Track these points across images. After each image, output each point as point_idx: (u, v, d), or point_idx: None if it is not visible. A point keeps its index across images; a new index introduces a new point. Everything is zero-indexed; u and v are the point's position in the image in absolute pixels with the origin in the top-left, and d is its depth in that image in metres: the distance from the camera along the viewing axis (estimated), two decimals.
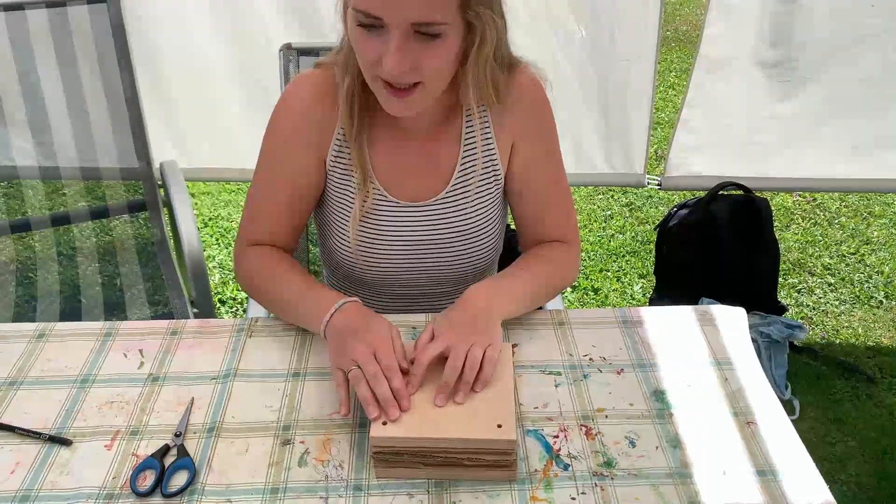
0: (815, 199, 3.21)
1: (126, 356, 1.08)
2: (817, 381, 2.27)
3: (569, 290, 2.68)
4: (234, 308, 2.58)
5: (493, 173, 1.18)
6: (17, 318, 1.84)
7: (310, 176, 1.16)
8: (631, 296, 2.66)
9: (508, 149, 1.18)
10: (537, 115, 1.18)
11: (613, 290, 2.68)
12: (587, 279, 2.73)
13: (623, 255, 2.87)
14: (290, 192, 1.17)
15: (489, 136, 1.16)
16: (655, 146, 3.34)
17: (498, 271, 1.37)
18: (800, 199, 3.21)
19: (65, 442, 0.94)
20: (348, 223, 1.16)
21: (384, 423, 0.88)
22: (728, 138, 2.32)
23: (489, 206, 1.19)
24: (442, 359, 0.95)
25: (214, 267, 2.77)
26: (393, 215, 1.16)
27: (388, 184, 1.16)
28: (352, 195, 1.15)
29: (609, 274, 2.76)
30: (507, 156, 1.18)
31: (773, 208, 2.29)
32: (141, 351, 1.09)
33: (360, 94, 1.08)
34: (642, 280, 2.73)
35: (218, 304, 2.59)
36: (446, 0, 0.93)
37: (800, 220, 3.08)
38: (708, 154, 2.34)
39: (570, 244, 1.24)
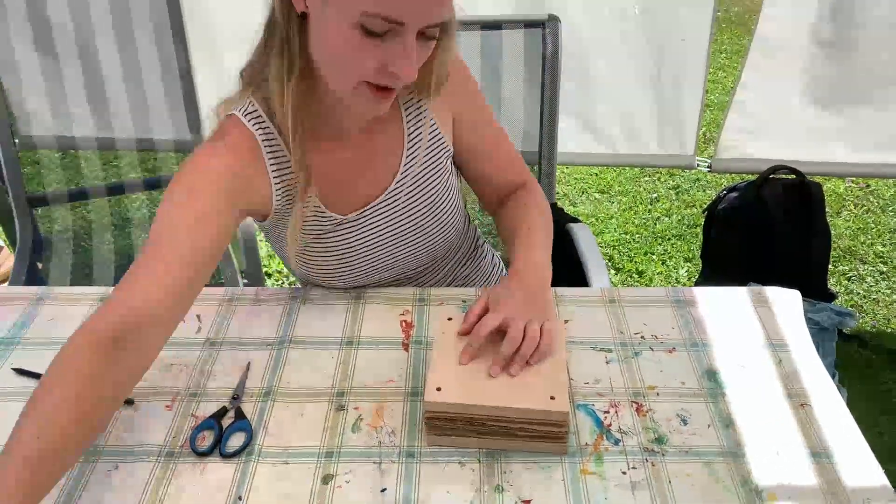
0: (868, 186, 3.13)
1: (184, 321, 1.10)
2: (866, 370, 2.23)
3: (613, 271, 2.67)
4: (280, 281, 2.61)
5: (440, 148, 1.15)
6: (73, 284, 1.89)
7: (215, 246, 0.96)
8: (676, 279, 2.63)
9: (450, 122, 1.16)
10: (462, 81, 1.15)
11: (658, 274, 2.66)
12: (631, 261, 2.71)
13: (668, 239, 2.84)
14: (186, 267, 0.92)
15: (426, 114, 1.12)
16: (704, 128, 3.29)
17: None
18: (853, 184, 3.14)
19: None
20: (312, 243, 1.11)
21: (438, 389, 0.89)
22: (781, 121, 2.28)
23: (443, 182, 1.16)
24: (500, 331, 0.95)
25: (261, 240, 2.81)
26: (345, 231, 1.11)
27: (333, 199, 1.09)
28: (305, 223, 1.08)
29: (654, 257, 2.74)
30: (450, 129, 1.16)
31: (825, 194, 2.24)
32: (198, 316, 1.12)
33: (299, 100, 0.98)
34: (688, 264, 2.70)
35: (265, 278, 2.63)
36: None
37: (852, 207, 3.01)
38: (760, 137, 2.30)
39: (531, 182, 1.24)
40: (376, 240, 1.13)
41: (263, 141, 1.02)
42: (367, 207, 1.11)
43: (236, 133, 1.01)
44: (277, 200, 1.06)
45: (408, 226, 1.14)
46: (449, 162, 1.18)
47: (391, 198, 1.12)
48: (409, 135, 1.12)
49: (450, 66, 1.07)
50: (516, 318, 0.95)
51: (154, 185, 2.05)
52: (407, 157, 1.12)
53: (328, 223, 1.10)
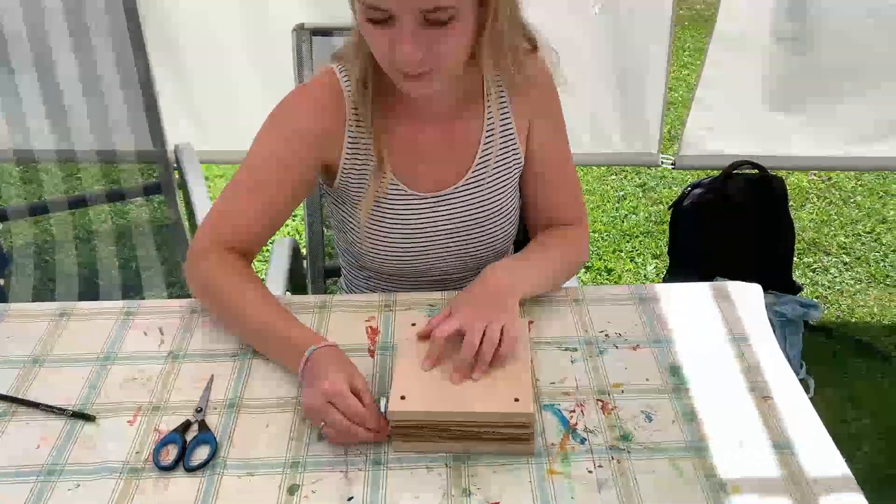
0: (830, 179, 3.19)
1: (146, 334, 1.10)
2: (832, 360, 2.27)
3: (582, 270, 2.69)
4: None
5: (513, 158, 1.19)
6: (36, 299, 1.86)
7: (298, 186, 1.13)
8: (644, 276, 2.66)
9: (525, 133, 1.19)
10: (548, 99, 1.19)
11: (627, 271, 2.68)
12: (600, 259, 2.73)
13: (636, 236, 2.86)
14: (274, 199, 1.11)
15: (508, 119, 1.16)
16: (668, 126, 3.32)
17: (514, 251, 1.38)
18: (815, 178, 3.19)
19: (88, 417, 0.96)
20: (372, 218, 1.15)
21: (402, 398, 0.89)
22: (743, 117, 2.31)
23: (507, 191, 1.20)
24: (461, 335, 0.95)
25: None
26: (413, 208, 1.16)
27: (407, 175, 1.14)
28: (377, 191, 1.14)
29: (622, 254, 2.76)
30: (525, 140, 1.19)
31: (788, 187, 2.28)
32: (161, 329, 1.11)
33: (373, 78, 1.07)
34: (656, 260, 2.72)
35: None
36: None
37: (815, 200, 3.06)
38: (722, 133, 2.33)
39: (581, 226, 1.25)
40: (434, 227, 1.17)
41: (349, 97, 1.10)
42: (433, 195, 1.16)
43: (324, 82, 1.11)
44: (347, 159, 1.12)
45: (467, 224, 1.18)
46: (518, 173, 1.21)
47: (452, 196, 1.16)
48: (486, 129, 1.15)
49: (540, 75, 1.14)
50: (475, 321, 0.95)
51: (118, 196, 2.02)
52: (479, 159, 1.16)
53: (399, 195, 1.14)
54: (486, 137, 1.16)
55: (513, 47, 1.05)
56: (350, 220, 1.19)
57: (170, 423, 0.95)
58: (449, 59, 0.98)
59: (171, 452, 0.91)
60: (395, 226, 1.16)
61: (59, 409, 0.97)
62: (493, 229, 1.20)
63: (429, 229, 1.17)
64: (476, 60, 1.04)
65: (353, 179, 1.14)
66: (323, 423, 0.90)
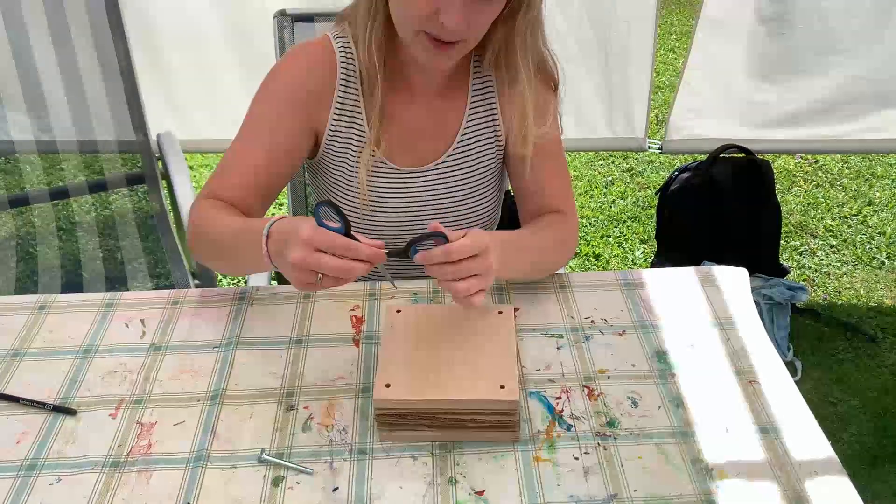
0: (817, 161, 3.19)
1: (128, 326, 1.09)
2: (819, 342, 2.28)
3: None
4: (235, 279, 2.58)
5: (494, 138, 1.18)
6: (19, 292, 1.83)
7: (291, 144, 1.12)
8: (632, 261, 2.65)
9: (512, 116, 1.17)
10: (544, 94, 1.17)
11: (615, 256, 2.68)
12: (588, 245, 2.73)
13: (624, 221, 2.86)
14: (267, 155, 1.11)
15: (493, 101, 1.17)
16: (656, 110, 3.32)
17: None
18: (802, 160, 3.19)
19: (69, 411, 0.95)
20: (351, 188, 1.15)
21: (387, 386, 0.88)
22: (730, 101, 2.30)
23: (489, 171, 1.20)
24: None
25: None
26: (395, 183, 1.16)
27: (391, 149, 1.15)
28: (353, 159, 1.14)
29: (610, 240, 2.76)
30: (510, 123, 1.18)
31: (774, 170, 2.27)
32: (142, 321, 1.09)
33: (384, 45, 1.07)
34: (644, 245, 2.72)
35: (220, 276, 2.59)
36: None
37: (802, 182, 3.07)
38: (709, 117, 2.33)
39: (568, 215, 1.23)
40: (412, 204, 1.17)
41: (341, 64, 1.11)
42: (415, 170, 1.16)
43: (318, 43, 1.13)
44: (333, 125, 1.13)
45: (446, 202, 1.18)
46: (499, 154, 1.20)
47: (433, 172, 1.17)
48: (469, 108, 1.16)
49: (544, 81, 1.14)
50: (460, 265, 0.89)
51: (100, 187, 2.00)
52: (461, 135, 1.16)
53: (379, 168, 1.15)
54: (469, 118, 1.16)
55: (536, 47, 1.09)
56: (335, 189, 1.18)
57: (153, 415, 0.94)
58: (476, 36, 1.01)
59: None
60: (373, 200, 1.16)
61: (40, 403, 0.96)
62: (471, 209, 1.20)
63: (407, 205, 1.17)
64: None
65: (334, 149, 1.15)
66: (319, 275, 0.85)
